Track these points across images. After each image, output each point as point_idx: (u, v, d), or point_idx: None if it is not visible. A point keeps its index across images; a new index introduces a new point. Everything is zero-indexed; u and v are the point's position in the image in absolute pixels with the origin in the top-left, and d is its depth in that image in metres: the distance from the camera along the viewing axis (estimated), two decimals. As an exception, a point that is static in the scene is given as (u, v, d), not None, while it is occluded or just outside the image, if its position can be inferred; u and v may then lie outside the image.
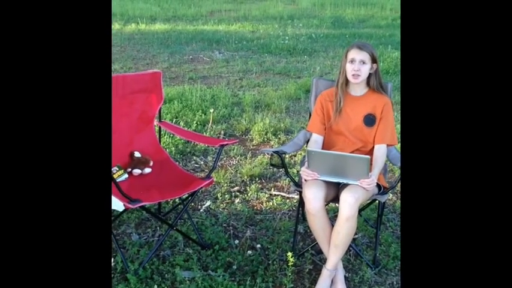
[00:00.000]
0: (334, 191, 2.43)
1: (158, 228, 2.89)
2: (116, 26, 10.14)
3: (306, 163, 2.37)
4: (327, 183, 2.36)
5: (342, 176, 2.32)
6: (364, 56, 2.44)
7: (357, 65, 2.44)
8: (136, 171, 2.70)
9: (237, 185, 3.48)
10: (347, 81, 2.54)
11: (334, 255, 2.32)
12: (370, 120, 2.54)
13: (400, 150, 3.44)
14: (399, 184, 3.50)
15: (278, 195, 3.36)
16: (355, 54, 2.45)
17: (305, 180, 2.37)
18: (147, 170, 2.74)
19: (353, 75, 2.46)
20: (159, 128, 2.97)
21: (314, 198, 2.28)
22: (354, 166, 2.27)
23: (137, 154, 2.78)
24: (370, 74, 2.52)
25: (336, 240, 2.28)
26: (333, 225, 2.32)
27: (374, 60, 2.48)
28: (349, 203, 2.20)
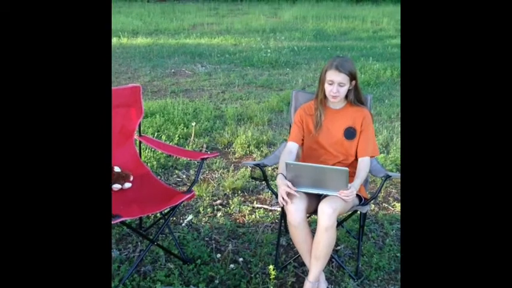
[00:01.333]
0: (315, 203, 2.43)
1: (139, 243, 2.85)
2: (97, 40, 10.09)
3: (284, 175, 2.37)
4: (308, 195, 2.36)
5: (322, 188, 2.32)
6: (343, 78, 2.43)
7: (335, 88, 2.45)
8: (117, 186, 2.68)
9: (219, 199, 3.47)
10: (325, 96, 2.56)
11: (315, 267, 2.32)
12: (350, 133, 2.55)
13: (388, 160, 3.47)
14: (380, 194, 3.53)
15: (261, 208, 3.35)
16: (333, 76, 2.44)
17: (283, 198, 2.32)
18: (127, 185, 2.71)
19: (332, 96, 2.49)
20: (140, 142, 2.95)
21: (296, 210, 2.28)
22: (333, 178, 2.27)
23: (117, 169, 2.75)
24: (349, 90, 2.53)
25: (316, 251, 2.28)
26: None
27: (353, 78, 2.48)
28: (326, 213, 2.21)
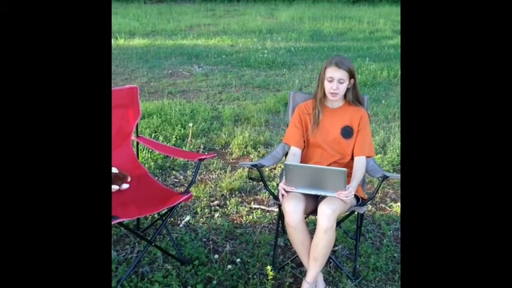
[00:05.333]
0: (313, 204, 2.43)
1: (137, 244, 2.85)
2: (94, 41, 10.07)
3: (284, 177, 2.38)
4: (306, 195, 2.37)
5: (320, 189, 2.33)
6: (342, 74, 2.46)
7: (335, 84, 2.47)
8: (114, 187, 2.67)
9: (216, 199, 3.47)
10: (325, 95, 2.57)
11: (313, 268, 2.32)
12: (347, 132, 2.56)
13: (385, 161, 3.48)
14: (378, 195, 3.53)
15: (258, 208, 3.36)
16: (333, 72, 2.46)
17: (282, 195, 2.37)
18: (125, 186, 2.71)
19: (331, 93, 2.49)
20: (137, 143, 2.95)
21: (294, 211, 2.28)
22: (331, 179, 2.28)
23: (115, 170, 2.75)
24: (347, 88, 2.55)
25: (314, 252, 2.28)
26: (312, 238, 2.32)
27: (352, 76, 2.50)
28: (326, 214, 2.21)
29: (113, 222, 2.19)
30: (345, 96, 2.59)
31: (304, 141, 2.63)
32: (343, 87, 2.49)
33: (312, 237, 2.33)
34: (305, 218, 2.40)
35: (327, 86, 2.50)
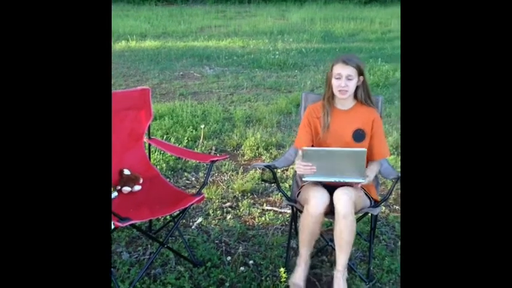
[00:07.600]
0: (330, 205, 2.41)
1: (149, 246, 2.84)
2: (106, 44, 10.13)
3: (300, 158, 2.35)
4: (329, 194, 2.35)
5: (339, 174, 2.30)
6: (350, 70, 2.41)
7: (344, 81, 2.41)
8: (126, 189, 2.67)
9: (228, 201, 3.46)
10: (334, 95, 2.52)
11: (341, 256, 2.31)
12: (359, 135, 2.52)
13: (398, 162, 3.43)
14: (391, 197, 3.49)
15: (270, 210, 3.34)
16: (340, 69, 2.42)
17: (299, 175, 2.35)
18: (137, 188, 2.70)
19: (340, 91, 2.45)
20: (149, 144, 2.94)
21: (319, 203, 2.28)
22: (351, 161, 2.26)
23: (127, 172, 2.75)
24: (357, 87, 2.50)
25: (339, 240, 2.28)
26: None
27: (360, 73, 2.46)
28: (343, 200, 2.22)
29: (125, 224, 2.19)
30: (355, 96, 2.55)
31: (312, 145, 2.59)
32: (352, 84, 2.44)
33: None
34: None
35: (335, 83, 2.44)
